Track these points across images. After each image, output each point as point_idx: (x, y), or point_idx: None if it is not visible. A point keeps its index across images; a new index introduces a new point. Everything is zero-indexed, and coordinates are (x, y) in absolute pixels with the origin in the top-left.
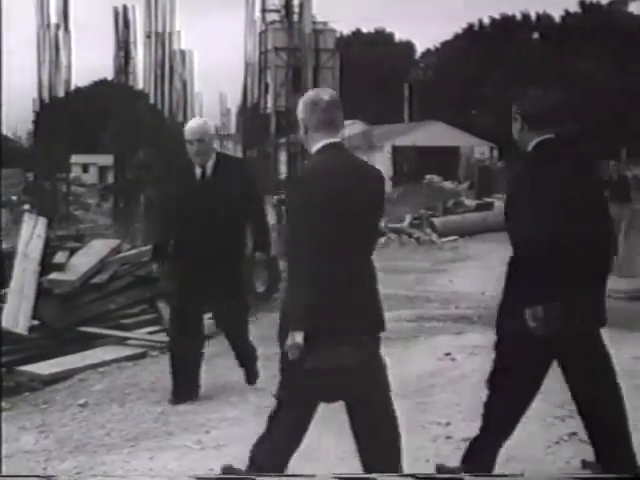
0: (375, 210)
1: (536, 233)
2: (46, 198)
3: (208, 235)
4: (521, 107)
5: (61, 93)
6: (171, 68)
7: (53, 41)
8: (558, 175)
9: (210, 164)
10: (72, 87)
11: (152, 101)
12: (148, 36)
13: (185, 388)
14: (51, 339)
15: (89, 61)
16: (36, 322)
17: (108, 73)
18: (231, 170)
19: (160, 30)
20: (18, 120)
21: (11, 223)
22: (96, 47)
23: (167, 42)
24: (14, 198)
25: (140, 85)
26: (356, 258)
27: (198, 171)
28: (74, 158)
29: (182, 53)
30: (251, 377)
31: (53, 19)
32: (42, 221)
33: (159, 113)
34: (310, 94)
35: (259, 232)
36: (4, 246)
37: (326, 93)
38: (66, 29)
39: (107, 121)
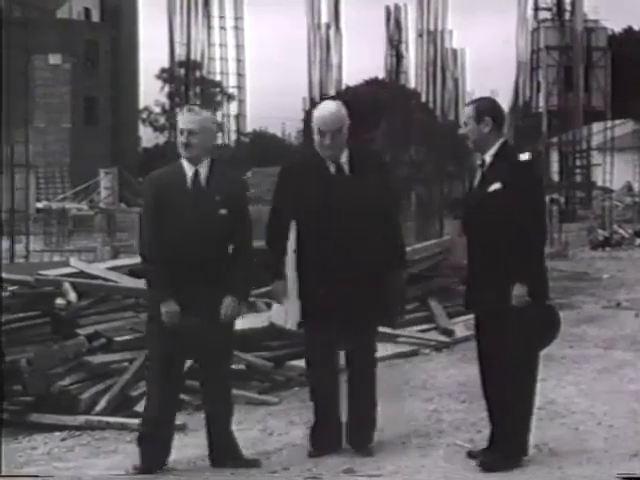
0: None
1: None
2: None
3: (346, 243)
4: (491, 110)
5: (332, 92)
6: (443, 67)
7: (324, 41)
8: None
9: (344, 158)
10: (343, 86)
11: (423, 100)
12: (420, 35)
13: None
14: None
15: (360, 60)
16: None
17: (379, 72)
18: (368, 163)
19: (432, 29)
20: (286, 118)
21: None
22: (367, 46)
23: (439, 41)
24: None
25: (412, 84)
26: None
27: (332, 167)
28: None
29: (454, 51)
30: None
31: (324, 19)
32: None
33: (430, 112)
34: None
35: (392, 241)
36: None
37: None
38: (337, 28)
39: (378, 120)
